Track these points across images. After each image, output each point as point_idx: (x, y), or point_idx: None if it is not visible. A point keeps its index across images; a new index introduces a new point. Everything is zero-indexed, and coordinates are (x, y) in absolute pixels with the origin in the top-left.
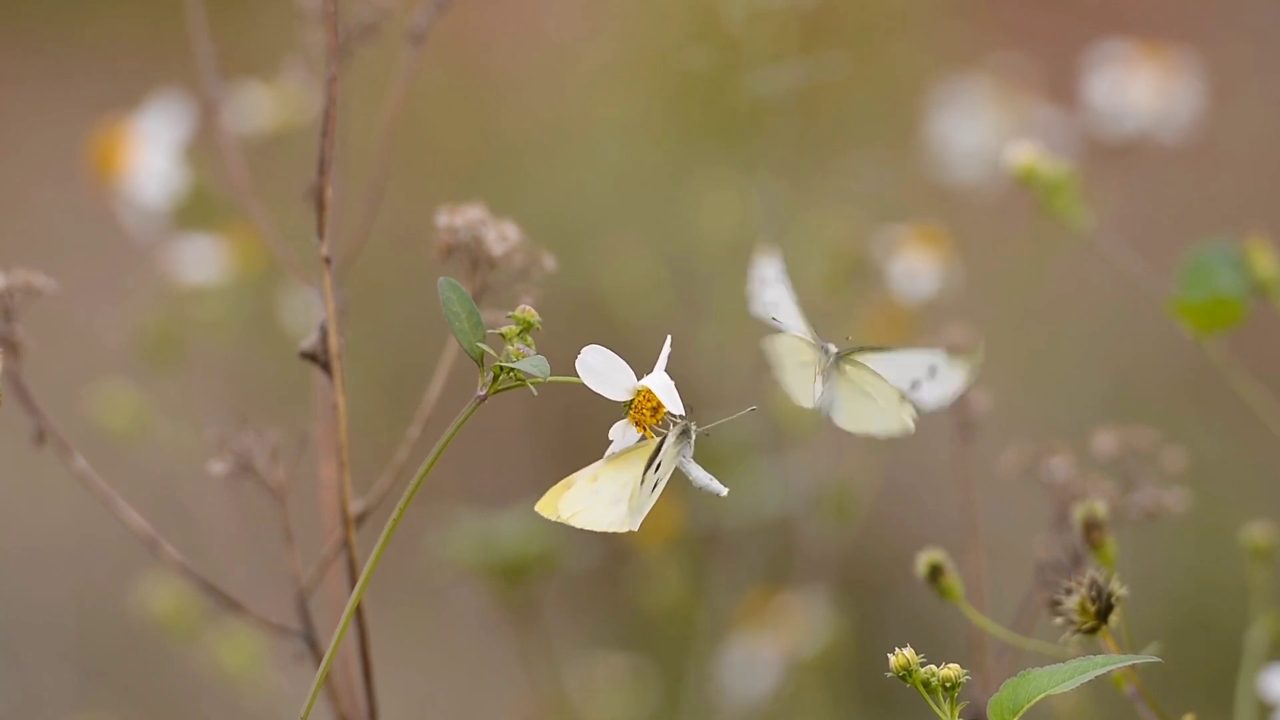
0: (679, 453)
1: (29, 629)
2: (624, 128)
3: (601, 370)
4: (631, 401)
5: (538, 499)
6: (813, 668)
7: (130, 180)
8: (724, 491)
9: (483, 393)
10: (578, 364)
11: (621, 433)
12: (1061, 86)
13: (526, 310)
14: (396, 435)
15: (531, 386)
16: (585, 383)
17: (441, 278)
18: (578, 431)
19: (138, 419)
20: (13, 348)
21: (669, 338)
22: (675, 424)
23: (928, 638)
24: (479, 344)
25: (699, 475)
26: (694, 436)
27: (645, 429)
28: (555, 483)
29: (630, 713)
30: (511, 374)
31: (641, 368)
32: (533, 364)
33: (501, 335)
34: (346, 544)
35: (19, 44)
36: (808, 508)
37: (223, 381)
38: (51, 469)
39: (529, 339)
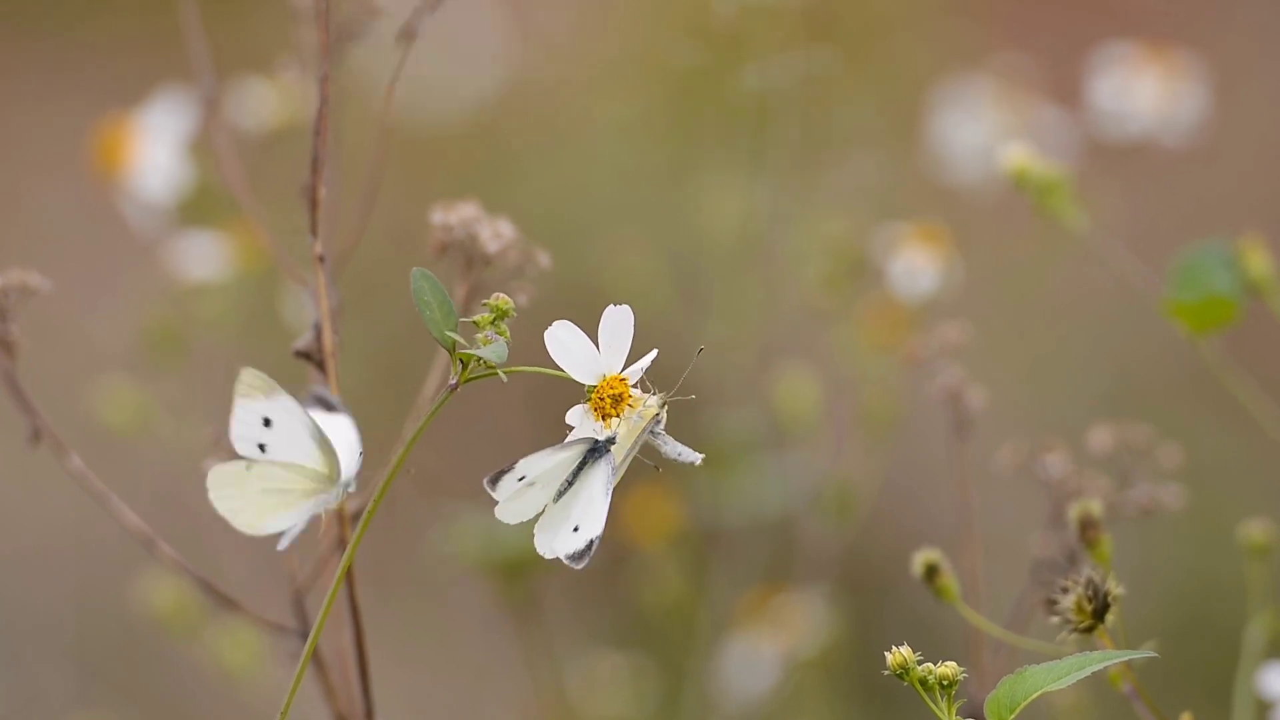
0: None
1: (29, 629)
2: (624, 126)
3: (570, 347)
4: (595, 387)
5: None
6: (813, 665)
7: (134, 175)
8: (698, 459)
9: (454, 382)
10: (547, 337)
11: (579, 419)
12: (1064, 85)
13: (500, 298)
14: (392, 432)
15: (503, 375)
16: (553, 358)
17: (414, 267)
18: None
19: (139, 415)
20: (8, 347)
21: (653, 351)
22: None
23: (926, 635)
24: (449, 332)
25: (671, 447)
26: (664, 417)
27: (604, 418)
28: None
29: (631, 711)
30: (481, 362)
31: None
32: (492, 350)
33: (474, 323)
34: (342, 542)
35: (17, 40)
36: (808, 506)
37: (223, 378)
38: (51, 468)
39: (503, 327)
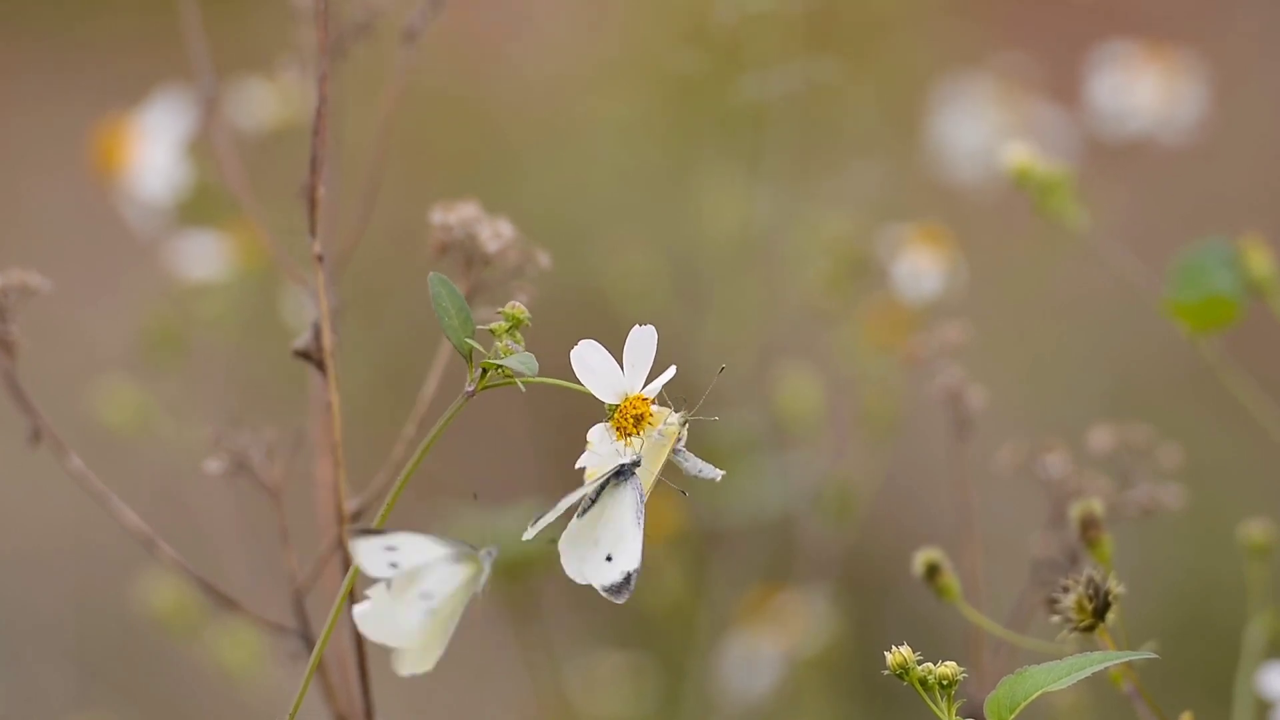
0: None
1: (29, 629)
2: (624, 127)
3: (595, 367)
4: (617, 406)
5: (539, 497)
6: (813, 665)
7: (133, 175)
8: (718, 476)
9: (471, 389)
10: (573, 357)
11: (600, 436)
12: (1064, 85)
13: (516, 307)
14: (393, 433)
15: (521, 385)
16: (578, 377)
17: (431, 273)
18: (580, 430)
19: (139, 415)
20: (8, 346)
21: (672, 368)
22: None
23: (926, 635)
24: (468, 340)
25: (691, 464)
26: (684, 435)
27: (625, 436)
28: (556, 481)
29: (631, 710)
30: (500, 371)
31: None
32: (520, 361)
33: (491, 331)
34: (342, 542)
35: (17, 40)
36: (808, 506)
37: (223, 379)
38: (51, 468)
39: (518, 335)
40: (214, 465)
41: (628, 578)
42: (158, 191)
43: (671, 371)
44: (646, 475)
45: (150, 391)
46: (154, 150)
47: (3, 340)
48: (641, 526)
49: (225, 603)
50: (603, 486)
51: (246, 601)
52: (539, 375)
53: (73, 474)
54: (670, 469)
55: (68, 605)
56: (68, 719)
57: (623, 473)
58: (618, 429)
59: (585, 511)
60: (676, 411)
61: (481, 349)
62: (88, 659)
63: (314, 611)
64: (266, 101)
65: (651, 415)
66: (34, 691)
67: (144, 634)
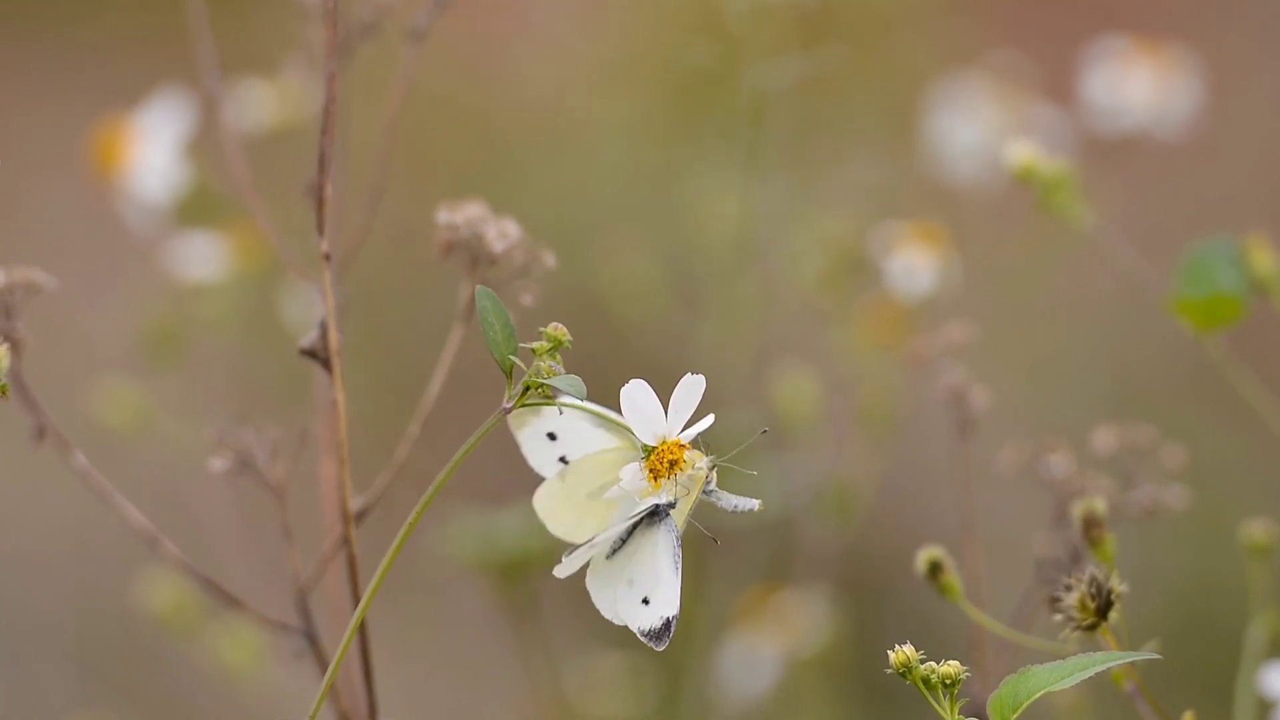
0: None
1: (29, 629)
2: (624, 126)
3: (643, 409)
4: (653, 449)
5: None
6: (812, 665)
7: (131, 177)
8: (756, 505)
9: (509, 405)
10: (622, 395)
11: (633, 475)
12: (1060, 83)
13: (559, 329)
14: (397, 432)
15: (558, 408)
16: (625, 415)
17: (478, 286)
18: None
19: (139, 415)
20: (13, 345)
21: (710, 416)
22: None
23: (927, 635)
24: (511, 356)
25: (727, 501)
26: (714, 478)
27: (656, 478)
28: None
29: (629, 710)
30: (540, 390)
31: (640, 366)
32: (567, 382)
33: (533, 351)
34: (346, 541)
35: (17, 40)
36: (808, 505)
37: (224, 378)
38: (51, 469)
39: (558, 356)
40: (218, 464)
41: (667, 624)
42: (156, 193)
43: (710, 420)
44: (678, 519)
45: (151, 391)
46: (152, 151)
47: (9, 338)
48: (679, 571)
49: (228, 601)
50: (634, 526)
51: (248, 601)
52: (588, 405)
53: (76, 472)
54: (702, 507)
55: (68, 605)
56: (68, 719)
57: (657, 513)
58: (650, 471)
59: (616, 552)
60: (706, 457)
61: (523, 365)
62: (88, 659)
63: (316, 611)
64: (268, 100)
65: (685, 462)
66: (34, 691)
67: (144, 634)
